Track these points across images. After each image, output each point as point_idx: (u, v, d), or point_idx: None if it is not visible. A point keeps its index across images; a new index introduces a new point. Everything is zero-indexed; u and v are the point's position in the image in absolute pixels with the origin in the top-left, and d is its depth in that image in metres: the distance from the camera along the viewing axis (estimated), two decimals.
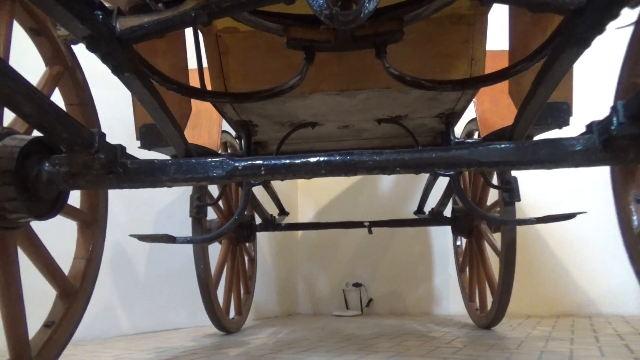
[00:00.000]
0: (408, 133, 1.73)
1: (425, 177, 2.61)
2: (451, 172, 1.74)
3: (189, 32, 1.34)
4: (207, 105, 1.79)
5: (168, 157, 1.84)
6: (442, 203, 2.31)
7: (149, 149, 1.52)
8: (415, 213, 2.65)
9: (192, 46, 1.35)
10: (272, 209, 2.51)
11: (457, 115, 1.66)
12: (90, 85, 1.20)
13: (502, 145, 0.74)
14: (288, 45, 1.00)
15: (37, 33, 0.97)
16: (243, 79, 1.41)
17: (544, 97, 1.03)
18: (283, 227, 2.49)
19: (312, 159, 0.76)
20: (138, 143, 1.49)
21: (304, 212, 3.68)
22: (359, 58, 1.36)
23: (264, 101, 1.48)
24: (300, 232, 3.61)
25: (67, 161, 0.75)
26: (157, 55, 1.34)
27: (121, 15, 0.82)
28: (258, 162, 0.76)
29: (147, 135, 1.51)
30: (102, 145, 0.76)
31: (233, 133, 2.16)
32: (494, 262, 2.11)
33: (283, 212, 2.61)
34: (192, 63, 1.40)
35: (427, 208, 2.51)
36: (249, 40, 1.36)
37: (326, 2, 0.69)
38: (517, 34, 1.38)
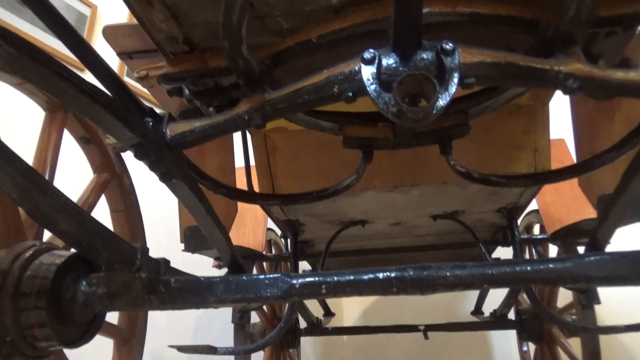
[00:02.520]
0: (466, 229, 1.61)
1: None
2: None
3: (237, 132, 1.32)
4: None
5: (211, 259, 1.77)
6: (507, 304, 2.09)
7: (193, 252, 1.47)
8: (472, 313, 2.41)
9: (239, 145, 1.33)
10: (315, 308, 2.35)
11: (520, 209, 1.54)
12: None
13: (619, 256, 0.61)
14: (344, 145, 0.94)
15: (87, 141, 0.96)
16: (292, 178, 1.36)
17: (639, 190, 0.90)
18: (330, 331, 2.30)
19: (381, 275, 0.65)
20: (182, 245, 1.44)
21: (349, 311, 3.46)
22: (413, 152, 1.29)
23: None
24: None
25: (105, 281, 0.67)
26: (205, 156, 1.32)
27: (172, 120, 0.79)
28: (318, 279, 0.66)
29: (191, 238, 1.45)
30: (145, 261, 0.68)
31: (278, 231, 2.09)
32: None
33: (328, 312, 2.44)
34: (238, 161, 1.37)
35: (485, 306, 2.29)
36: (298, 139, 1.33)
37: (394, 98, 0.62)
38: (582, 122, 1.29)
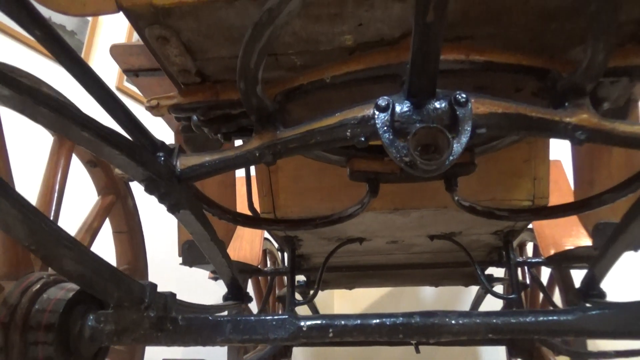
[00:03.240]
0: (461, 249, 1.63)
1: (473, 286, 2.44)
2: (513, 296, 1.59)
3: None
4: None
5: (208, 272, 1.77)
6: None
7: (191, 266, 1.47)
8: None
9: None
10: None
11: (516, 233, 1.56)
12: None
13: (622, 309, 0.62)
14: (351, 178, 0.95)
15: (93, 165, 0.96)
16: (293, 198, 1.36)
17: None
18: (323, 342, 2.31)
19: (388, 321, 0.66)
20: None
21: None
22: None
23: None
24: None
25: (114, 319, 0.68)
26: None
27: (182, 153, 0.79)
28: (325, 322, 0.67)
29: (189, 252, 1.46)
30: (153, 298, 0.69)
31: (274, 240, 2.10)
32: None
33: None
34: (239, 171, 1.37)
35: None
36: (301, 158, 1.33)
37: (407, 148, 0.63)
38: (581, 151, 1.31)
